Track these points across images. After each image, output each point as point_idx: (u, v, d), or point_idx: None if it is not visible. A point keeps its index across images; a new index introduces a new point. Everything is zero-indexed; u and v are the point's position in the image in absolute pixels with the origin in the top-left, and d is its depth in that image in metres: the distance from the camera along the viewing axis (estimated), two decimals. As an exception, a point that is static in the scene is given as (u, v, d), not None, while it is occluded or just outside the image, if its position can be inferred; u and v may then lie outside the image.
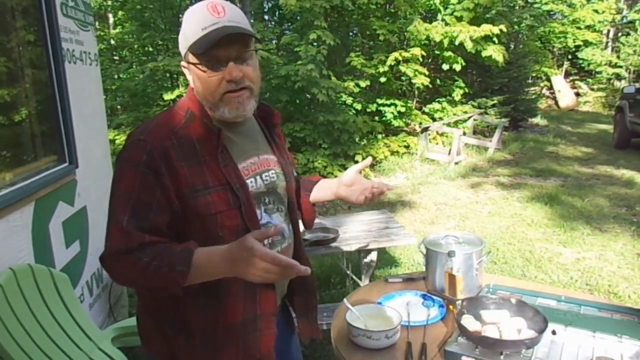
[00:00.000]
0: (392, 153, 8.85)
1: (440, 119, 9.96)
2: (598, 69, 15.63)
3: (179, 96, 8.27)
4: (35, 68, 2.64)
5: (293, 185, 1.38)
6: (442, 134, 9.68)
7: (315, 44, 8.05)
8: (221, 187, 1.15)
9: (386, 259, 4.29)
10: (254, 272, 0.99)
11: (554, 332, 1.46)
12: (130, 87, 9.39)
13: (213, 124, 1.18)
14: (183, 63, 1.21)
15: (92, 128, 3.18)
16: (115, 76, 10.08)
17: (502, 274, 3.79)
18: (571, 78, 16.75)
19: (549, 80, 15.93)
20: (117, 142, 8.11)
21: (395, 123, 9.54)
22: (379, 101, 9.48)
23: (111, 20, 12.47)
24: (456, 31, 8.98)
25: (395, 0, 9.50)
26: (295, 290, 1.42)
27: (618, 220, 5.18)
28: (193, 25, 1.13)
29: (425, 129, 9.21)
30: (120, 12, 11.41)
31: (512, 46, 12.54)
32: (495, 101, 10.74)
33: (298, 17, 9.22)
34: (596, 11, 14.82)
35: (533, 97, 13.21)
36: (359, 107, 9.32)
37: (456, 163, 8.46)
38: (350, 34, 10.40)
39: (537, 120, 12.67)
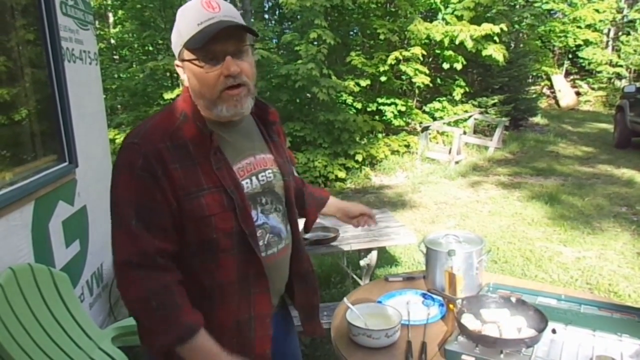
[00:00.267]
0: (393, 152, 8.85)
1: (441, 118, 9.96)
2: (598, 68, 15.60)
3: (179, 95, 8.26)
4: (34, 67, 2.64)
5: (292, 184, 1.37)
6: (442, 133, 9.68)
7: (315, 43, 8.05)
8: (215, 189, 1.14)
9: (386, 258, 4.29)
10: None
11: (554, 331, 1.46)
12: (130, 87, 9.40)
13: (206, 126, 1.17)
14: (177, 62, 1.19)
15: (92, 127, 3.18)
16: (115, 75, 10.08)
17: (503, 273, 3.79)
18: (572, 77, 16.72)
19: (549, 79, 15.90)
20: (117, 141, 8.11)
21: (396, 122, 9.54)
22: (380, 100, 9.48)
23: (111, 19, 12.47)
24: (457, 30, 8.97)
25: (395, -1, 9.51)
26: (297, 289, 1.41)
27: (618, 220, 5.18)
28: (188, 21, 1.12)
29: (426, 128, 9.21)
30: (120, 11, 11.40)
31: (513, 45, 12.53)
32: (496, 100, 10.74)
33: (298, 16, 9.22)
34: (597, 10, 14.79)
35: (533, 96, 13.20)
36: (359, 106, 9.32)
37: (456, 162, 8.46)
38: (351, 33, 10.39)
39: (538, 119, 12.66)
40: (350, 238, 2.98)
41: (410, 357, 1.41)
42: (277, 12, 12.43)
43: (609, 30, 16.64)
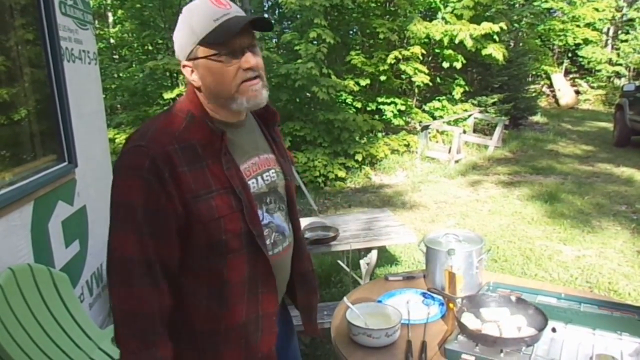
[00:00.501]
0: (392, 151, 8.84)
1: (441, 117, 9.96)
2: (598, 67, 15.60)
3: (179, 95, 8.26)
4: (34, 67, 2.63)
5: (292, 184, 1.38)
6: (442, 132, 9.67)
7: (315, 42, 8.05)
8: (224, 191, 1.14)
9: (386, 257, 4.29)
10: None
11: (554, 330, 1.46)
12: (130, 86, 9.38)
13: (216, 126, 1.16)
14: (185, 62, 1.17)
15: (91, 127, 3.18)
16: (115, 75, 10.05)
17: (502, 272, 3.79)
18: (571, 76, 16.72)
19: (548, 78, 15.90)
20: (116, 141, 8.11)
21: (396, 121, 9.54)
22: (379, 99, 9.47)
23: (110, 18, 12.45)
24: (456, 29, 8.97)
25: (395, -2, 9.51)
26: (297, 288, 1.42)
27: (618, 218, 5.18)
28: (200, 19, 1.12)
29: (426, 127, 9.21)
30: (119, 11, 11.37)
31: (512, 44, 12.53)
32: (496, 99, 10.73)
33: (298, 16, 9.22)
34: (596, 9, 14.78)
35: (533, 95, 13.20)
36: (359, 105, 9.31)
37: (456, 161, 8.46)
38: (350, 32, 10.38)
39: (537, 118, 12.66)
40: (350, 237, 2.98)
41: (410, 357, 1.41)
42: (276, 12, 12.43)
43: (609, 29, 16.64)
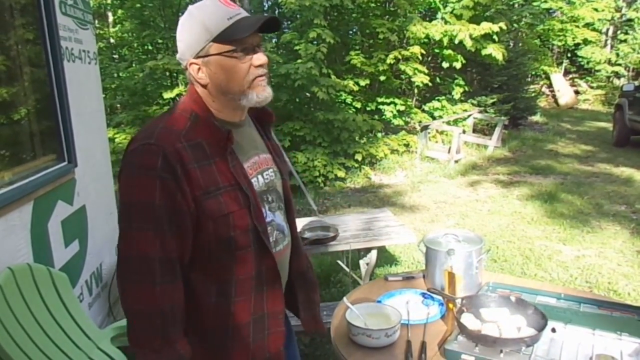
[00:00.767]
0: (392, 151, 8.84)
1: (440, 117, 9.96)
2: (597, 67, 15.62)
3: (179, 95, 8.26)
4: (34, 66, 2.63)
5: (288, 183, 1.40)
6: (441, 132, 9.68)
7: (315, 42, 8.04)
8: (231, 188, 1.15)
9: (386, 257, 4.29)
10: None
11: (553, 330, 1.46)
12: (130, 86, 9.36)
13: (222, 125, 1.18)
14: (194, 60, 1.16)
15: (91, 127, 3.17)
16: (115, 75, 10.03)
17: (502, 272, 3.79)
18: (570, 76, 16.74)
19: (548, 78, 15.91)
20: (116, 140, 8.10)
21: (395, 121, 9.54)
22: (379, 100, 9.48)
23: (110, 18, 12.44)
24: (456, 29, 8.97)
25: (394, -1, 9.50)
26: (297, 286, 1.42)
27: (617, 218, 5.18)
28: (215, 17, 1.13)
29: (425, 128, 9.21)
30: (119, 11, 11.36)
31: (512, 44, 12.53)
32: (495, 99, 10.74)
33: (298, 16, 9.21)
34: (595, 9, 14.79)
35: (532, 95, 13.21)
36: (358, 105, 9.31)
37: (456, 161, 8.46)
38: (350, 32, 10.37)
39: (537, 118, 12.67)
40: (349, 237, 2.98)
41: (410, 357, 1.41)
42: (276, 12, 12.42)
43: (608, 29, 16.65)
